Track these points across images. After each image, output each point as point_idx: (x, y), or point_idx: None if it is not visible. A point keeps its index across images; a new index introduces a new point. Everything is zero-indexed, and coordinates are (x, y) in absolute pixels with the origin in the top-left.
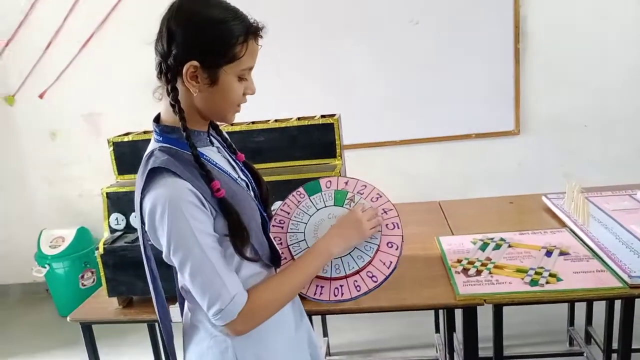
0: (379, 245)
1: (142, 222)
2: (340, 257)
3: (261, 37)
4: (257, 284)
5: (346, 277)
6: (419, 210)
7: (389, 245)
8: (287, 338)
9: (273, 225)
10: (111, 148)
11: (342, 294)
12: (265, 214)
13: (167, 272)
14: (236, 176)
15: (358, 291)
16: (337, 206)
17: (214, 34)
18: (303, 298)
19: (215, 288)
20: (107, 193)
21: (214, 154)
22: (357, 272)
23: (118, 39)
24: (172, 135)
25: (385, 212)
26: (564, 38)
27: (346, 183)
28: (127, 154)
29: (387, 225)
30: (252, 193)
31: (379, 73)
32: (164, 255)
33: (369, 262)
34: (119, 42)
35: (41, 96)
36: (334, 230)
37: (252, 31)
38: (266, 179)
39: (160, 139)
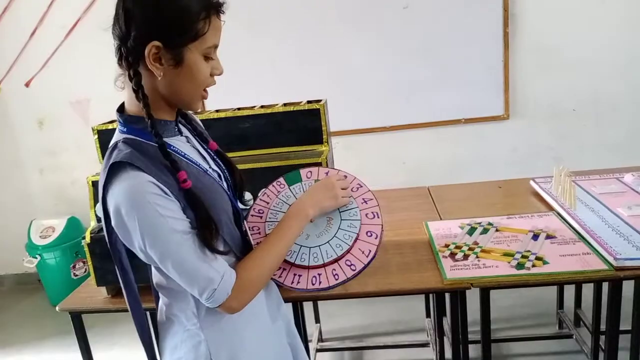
0: (358, 234)
1: (107, 218)
2: (319, 246)
3: (223, 12)
4: (241, 260)
5: (324, 265)
6: (408, 196)
7: (369, 234)
8: (262, 329)
9: (252, 215)
10: (96, 136)
11: (320, 282)
12: (239, 204)
13: (138, 263)
14: (207, 167)
15: (336, 279)
16: None
17: (175, 10)
18: (281, 287)
19: (203, 272)
20: (92, 181)
21: (182, 145)
22: (336, 261)
23: (103, 24)
24: (137, 126)
25: (365, 201)
26: (554, 21)
27: (326, 173)
28: None
29: (367, 214)
30: (224, 183)
31: (368, 59)
32: (137, 251)
33: (348, 251)
34: (105, 27)
35: (27, 84)
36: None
37: (214, 6)
38: (252, 165)
39: (125, 129)
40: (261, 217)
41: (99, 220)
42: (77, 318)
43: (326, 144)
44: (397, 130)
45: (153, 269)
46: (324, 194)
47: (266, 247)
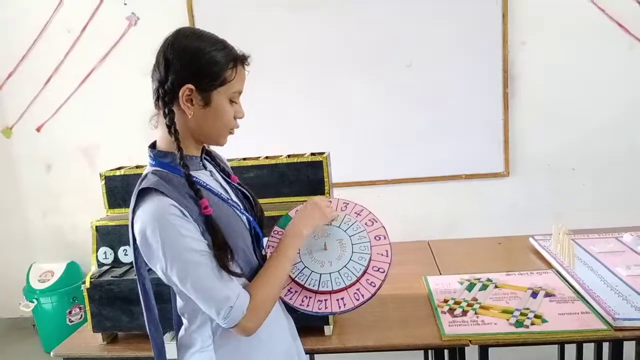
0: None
1: (135, 243)
2: (330, 273)
3: (248, 64)
4: (251, 282)
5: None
6: (408, 250)
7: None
8: (277, 354)
9: None
10: (103, 182)
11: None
12: (261, 232)
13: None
14: (227, 197)
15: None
16: None
17: (207, 60)
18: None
19: (220, 291)
20: (96, 226)
21: (205, 177)
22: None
23: (115, 74)
24: (165, 160)
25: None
26: (552, 81)
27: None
28: (118, 188)
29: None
30: (245, 214)
31: (371, 115)
32: (159, 272)
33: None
34: (117, 77)
35: (38, 129)
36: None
37: (240, 58)
38: None
39: (154, 163)
40: None
41: (100, 265)
42: None
43: (328, 195)
44: (398, 183)
45: (177, 294)
46: (312, 213)
47: (272, 266)
